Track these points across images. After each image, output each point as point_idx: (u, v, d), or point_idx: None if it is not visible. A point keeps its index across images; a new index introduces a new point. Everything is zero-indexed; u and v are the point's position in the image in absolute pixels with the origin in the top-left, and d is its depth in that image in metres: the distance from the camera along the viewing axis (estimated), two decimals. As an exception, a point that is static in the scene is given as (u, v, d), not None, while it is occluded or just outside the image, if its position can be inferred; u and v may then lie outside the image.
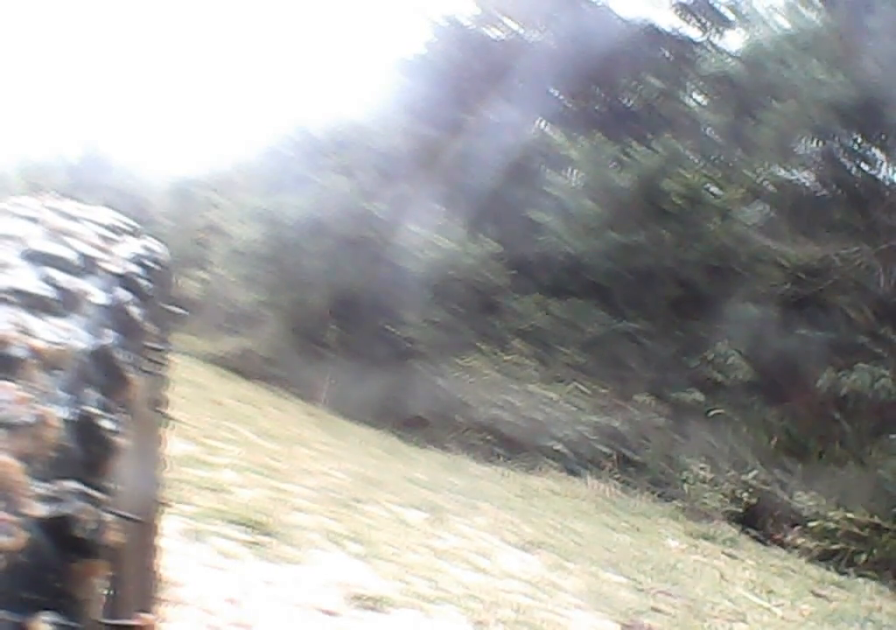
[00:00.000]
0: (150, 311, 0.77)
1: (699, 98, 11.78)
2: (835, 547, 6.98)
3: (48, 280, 0.67)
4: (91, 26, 25.41)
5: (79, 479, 0.56)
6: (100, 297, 0.69)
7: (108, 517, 0.58)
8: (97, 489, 0.57)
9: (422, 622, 2.99)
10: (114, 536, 0.59)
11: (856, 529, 7.05)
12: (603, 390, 9.32)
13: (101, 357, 0.65)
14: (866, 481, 7.60)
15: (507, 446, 9.10)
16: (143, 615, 0.87)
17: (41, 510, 0.53)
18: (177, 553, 2.78)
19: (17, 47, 21.38)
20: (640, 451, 8.82)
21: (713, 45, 11.58)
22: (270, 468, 4.91)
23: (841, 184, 9.97)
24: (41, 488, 0.54)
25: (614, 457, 8.72)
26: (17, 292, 0.64)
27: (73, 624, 0.53)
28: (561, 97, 12.23)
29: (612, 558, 5.03)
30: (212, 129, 15.89)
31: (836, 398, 8.44)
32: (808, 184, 10.53)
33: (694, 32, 11.87)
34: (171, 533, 2.90)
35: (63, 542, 0.54)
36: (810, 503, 7.45)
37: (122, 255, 0.78)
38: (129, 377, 0.68)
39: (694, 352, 9.40)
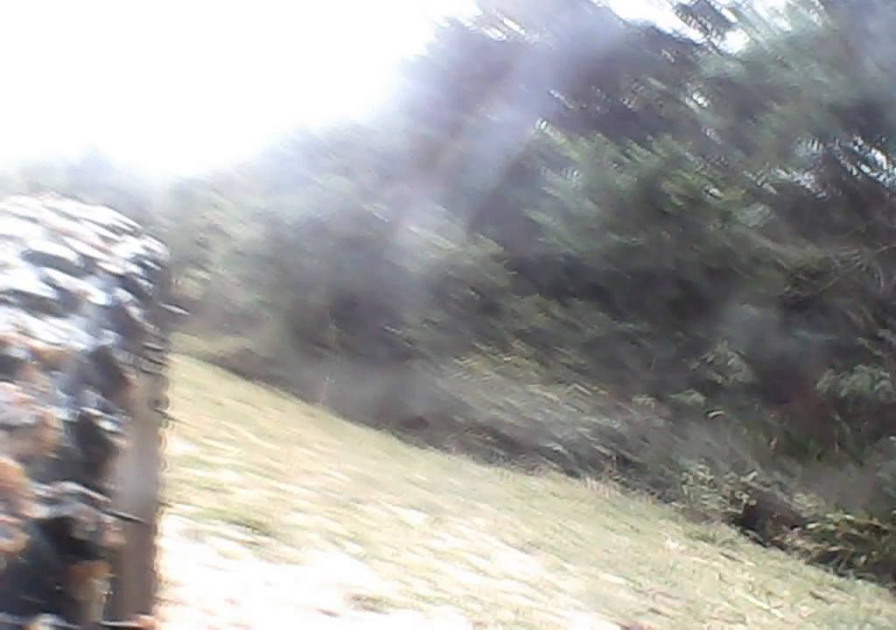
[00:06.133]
0: (150, 311, 0.77)
1: (700, 100, 11.78)
2: (834, 549, 6.97)
3: (48, 280, 0.67)
4: (92, 26, 25.41)
5: (78, 481, 0.56)
6: (100, 298, 0.69)
7: (108, 518, 0.58)
8: (97, 490, 0.57)
9: (421, 623, 2.98)
10: (113, 538, 0.59)
11: (855, 531, 7.04)
12: (603, 392, 9.31)
13: (100, 358, 0.65)
14: (866, 483, 7.60)
15: (507, 447, 9.09)
16: (142, 617, 0.86)
17: (41, 512, 0.53)
18: (177, 553, 2.78)
19: (17, 47, 21.40)
20: (639, 452, 8.82)
21: (714, 47, 11.59)
22: (270, 468, 4.91)
23: (841, 186, 9.97)
24: (41, 490, 0.54)
25: (614, 458, 8.72)
26: (17, 293, 0.64)
27: (72, 626, 0.53)
28: (561, 98, 12.24)
29: (612, 559, 5.02)
30: (212, 130, 15.91)
31: (835, 400, 8.43)
32: (808, 186, 10.53)
33: (695, 34, 11.89)
34: (171, 533, 2.90)
35: (63, 544, 0.54)
36: (810, 505, 7.45)
37: (122, 255, 0.77)
38: (129, 378, 0.68)
39: (694, 353, 9.40)
